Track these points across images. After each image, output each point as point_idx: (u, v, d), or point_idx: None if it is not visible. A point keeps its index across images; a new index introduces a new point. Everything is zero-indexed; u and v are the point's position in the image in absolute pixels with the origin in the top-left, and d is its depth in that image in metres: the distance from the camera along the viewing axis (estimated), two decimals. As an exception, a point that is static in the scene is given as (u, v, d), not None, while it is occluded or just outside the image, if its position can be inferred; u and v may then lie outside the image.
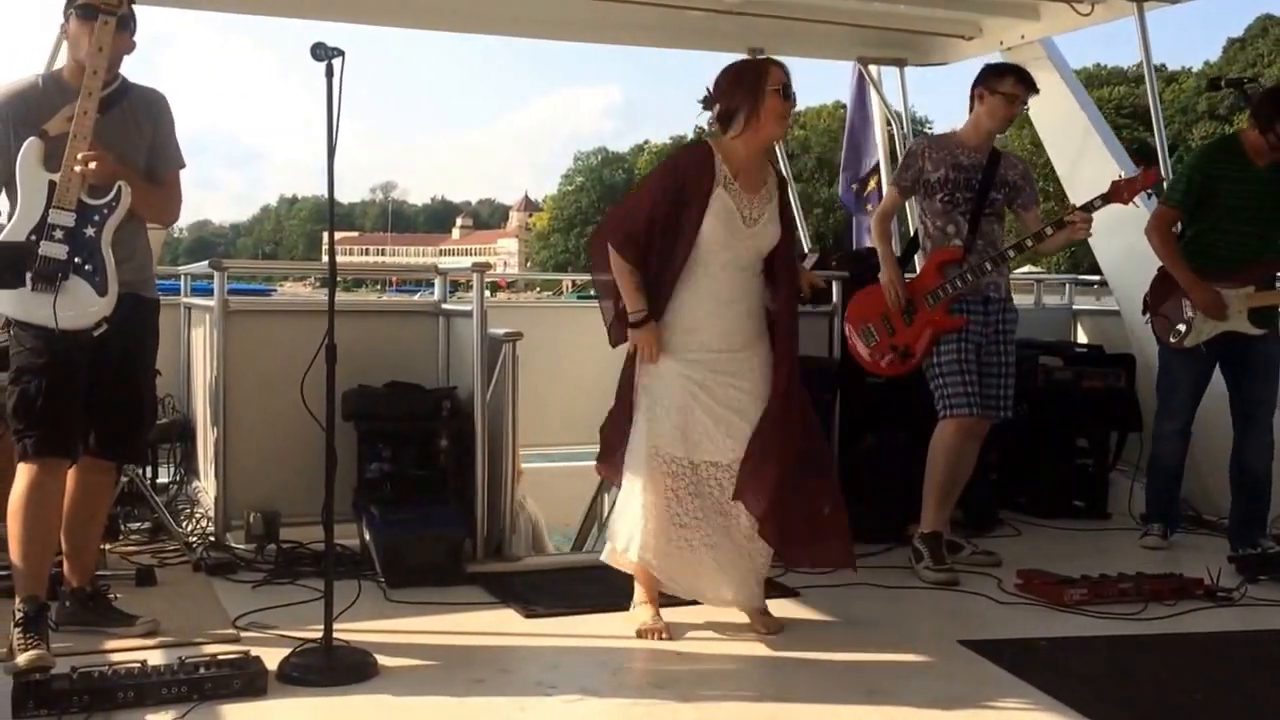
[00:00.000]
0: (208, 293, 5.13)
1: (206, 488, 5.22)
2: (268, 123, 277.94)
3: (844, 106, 9.07)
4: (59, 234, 3.45)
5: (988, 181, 4.86)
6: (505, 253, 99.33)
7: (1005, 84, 4.86)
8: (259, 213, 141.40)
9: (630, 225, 3.87)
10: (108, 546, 4.65)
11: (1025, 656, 3.68)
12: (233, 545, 4.80)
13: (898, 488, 5.12)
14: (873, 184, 8.13)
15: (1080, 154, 6.77)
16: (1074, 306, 7.49)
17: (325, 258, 3.69)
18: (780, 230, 3.93)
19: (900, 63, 7.61)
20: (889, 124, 7.91)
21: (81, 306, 3.46)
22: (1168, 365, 5.25)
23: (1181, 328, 5.13)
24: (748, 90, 3.82)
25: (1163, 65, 58.66)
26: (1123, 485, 5.97)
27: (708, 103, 3.92)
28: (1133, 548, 5.25)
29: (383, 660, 3.47)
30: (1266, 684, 3.56)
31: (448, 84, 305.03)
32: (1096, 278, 7.28)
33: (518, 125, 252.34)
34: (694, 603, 4.02)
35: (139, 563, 4.55)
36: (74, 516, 3.70)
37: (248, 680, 3.19)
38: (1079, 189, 6.32)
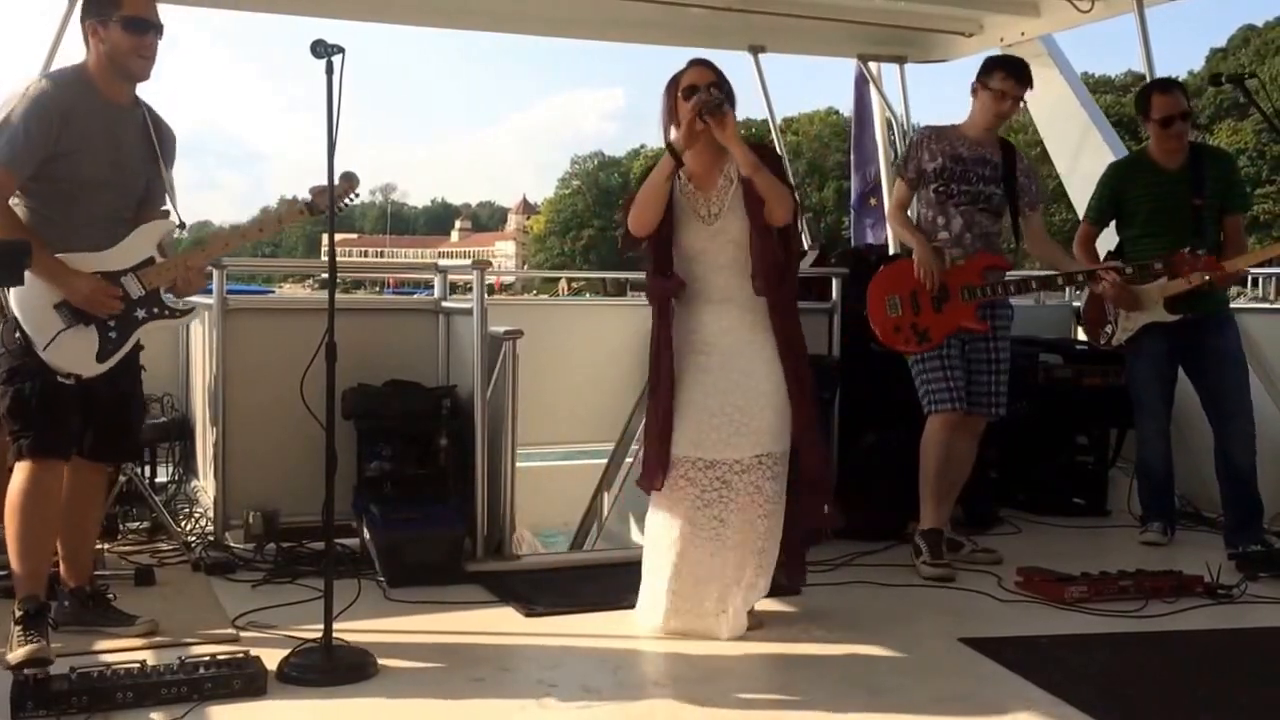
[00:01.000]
0: (207, 292, 5.12)
1: (205, 487, 5.22)
2: (270, 124, 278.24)
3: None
4: (119, 293, 3.55)
5: (1003, 179, 4.87)
6: (503, 255, 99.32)
7: (994, 79, 4.87)
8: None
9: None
10: (106, 546, 4.66)
11: (1026, 654, 3.68)
12: (232, 545, 4.80)
13: (898, 486, 5.11)
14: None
15: (1080, 151, 6.77)
16: (1074, 304, 7.46)
17: (325, 257, 3.69)
18: (748, 218, 3.84)
19: (901, 60, 7.62)
20: (889, 122, 7.92)
21: (77, 356, 3.52)
22: (1131, 368, 5.38)
23: (1109, 329, 5.32)
24: (667, 98, 3.91)
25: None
26: (1122, 482, 5.96)
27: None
28: (1132, 545, 5.25)
29: (382, 660, 3.46)
30: (1266, 681, 3.55)
31: (451, 86, 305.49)
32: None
33: (521, 127, 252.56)
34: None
35: (138, 562, 4.55)
36: (68, 516, 3.69)
37: (247, 680, 3.19)
38: (1079, 187, 6.32)
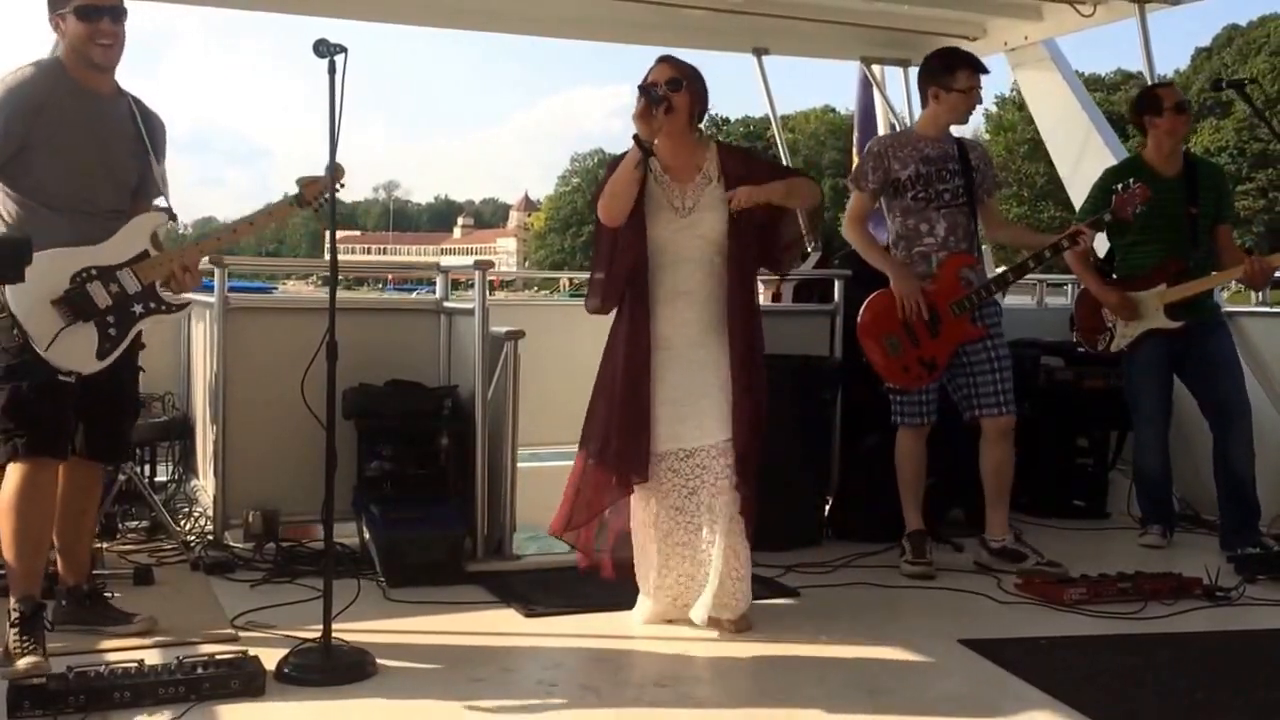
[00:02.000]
0: (208, 289, 5.12)
1: (205, 486, 5.22)
2: (275, 121, 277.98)
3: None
4: (114, 288, 3.52)
5: (965, 171, 4.84)
6: (504, 252, 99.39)
7: (960, 80, 4.84)
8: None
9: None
10: (105, 545, 4.66)
11: (1025, 656, 3.68)
12: (231, 544, 4.80)
13: (898, 488, 5.10)
14: None
15: (1082, 154, 6.77)
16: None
17: (327, 256, 3.69)
18: (726, 219, 3.91)
19: (904, 63, 7.61)
20: (893, 126, 7.91)
21: (76, 354, 3.48)
22: (1127, 374, 5.38)
23: (1105, 336, 5.32)
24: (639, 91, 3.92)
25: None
26: (1122, 485, 5.95)
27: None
28: (1132, 547, 5.25)
29: (382, 660, 3.46)
30: (1264, 684, 3.55)
31: (457, 83, 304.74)
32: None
33: (526, 124, 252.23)
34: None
35: (137, 562, 4.55)
36: (64, 514, 3.69)
37: (246, 680, 3.19)
38: (1081, 189, 6.31)
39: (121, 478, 4.91)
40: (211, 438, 4.95)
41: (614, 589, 4.10)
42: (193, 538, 4.92)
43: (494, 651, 3.73)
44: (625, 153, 3.90)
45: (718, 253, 3.94)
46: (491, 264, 5.84)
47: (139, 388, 3.92)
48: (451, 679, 3.40)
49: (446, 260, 5.87)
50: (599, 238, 4.06)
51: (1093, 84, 55.58)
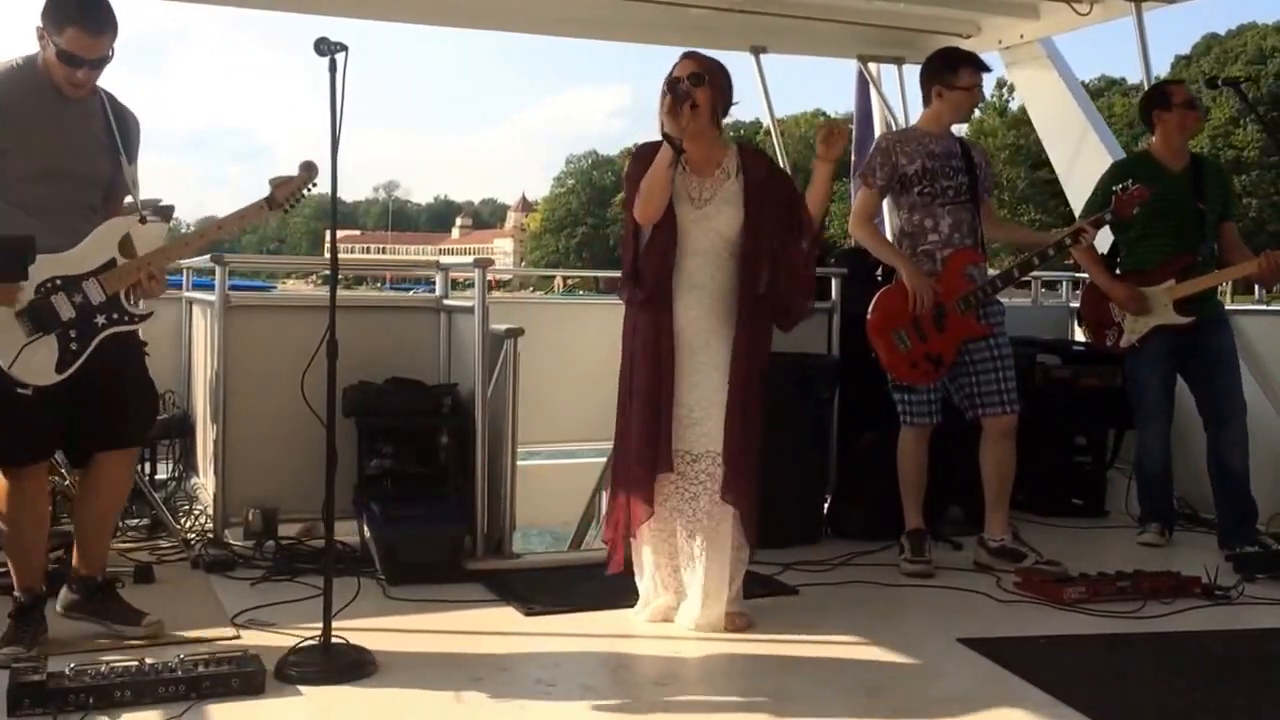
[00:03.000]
0: (209, 287, 5.12)
1: (205, 484, 5.22)
2: (278, 118, 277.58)
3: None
4: (78, 299, 3.46)
5: (968, 169, 4.86)
6: (501, 252, 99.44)
7: (963, 78, 4.86)
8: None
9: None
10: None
11: (1024, 654, 3.68)
12: (231, 542, 4.80)
13: (897, 486, 5.11)
14: None
15: (1078, 153, 6.78)
16: (1071, 305, 7.48)
17: (327, 254, 3.68)
18: (743, 215, 3.93)
19: (899, 61, 7.62)
20: (889, 124, 7.92)
21: (35, 366, 3.40)
22: (1131, 371, 5.37)
23: (1113, 331, 5.31)
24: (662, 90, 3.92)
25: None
26: (1120, 483, 5.97)
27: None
28: (1130, 546, 5.26)
29: (382, 658, 3.47)
30: (1263, 682, 3.55)
31: (458, 83, 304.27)
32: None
33: (526, 124, 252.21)
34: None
35: (137, 559, 4.55)
36: (92, 508, 3.70)
37: (246, 678, 3.19)
38: (1077, 188, 6.33)
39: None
40: (211, 436, 4.95)
41: (613, 589, 4.11)
42: (193, 536, 4.93)
43: (493, 650, 3.73)
44: (649, 144, 3.90)
45: (729, 248, 3.93)
46: (491, 262, 5.84)
47: (147, 371, 3.83)
48: (451, 677, 3.40)
49: (444, 260, 5.87)
50: (631, 226, 4.00)
51: (1080, 88, 56.29)
